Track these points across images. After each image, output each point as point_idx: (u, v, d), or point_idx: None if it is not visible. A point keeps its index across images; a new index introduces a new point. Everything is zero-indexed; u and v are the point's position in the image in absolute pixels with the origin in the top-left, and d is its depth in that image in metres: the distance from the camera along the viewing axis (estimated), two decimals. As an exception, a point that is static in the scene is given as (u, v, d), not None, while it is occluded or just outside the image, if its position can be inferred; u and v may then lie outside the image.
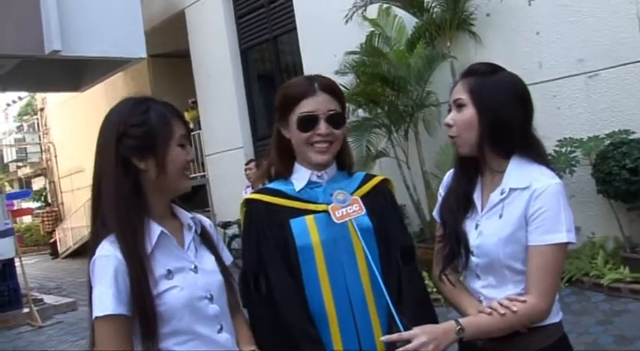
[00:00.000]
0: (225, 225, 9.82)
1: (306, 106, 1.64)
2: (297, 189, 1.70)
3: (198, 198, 10.64)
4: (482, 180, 1.69)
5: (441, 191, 1.81)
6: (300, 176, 1.72)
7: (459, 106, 1.62)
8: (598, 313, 4.79)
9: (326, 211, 1.62)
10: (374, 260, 1.63)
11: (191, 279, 1.53)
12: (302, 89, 1.67)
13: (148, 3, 11.29)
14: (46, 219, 19.34)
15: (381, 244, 1.68)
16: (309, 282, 1.62)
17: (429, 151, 6.69)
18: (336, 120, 1.67)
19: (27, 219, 23.18)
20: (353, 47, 6.84)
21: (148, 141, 1.49)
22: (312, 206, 1.67)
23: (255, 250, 1.66)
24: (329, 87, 1.69)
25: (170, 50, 12.92)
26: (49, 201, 20.52)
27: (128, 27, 9.71)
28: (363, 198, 1.67)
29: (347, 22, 6.83)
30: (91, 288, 1.47)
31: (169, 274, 1.49)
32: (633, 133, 5.42)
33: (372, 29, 7.00)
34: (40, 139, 23.27)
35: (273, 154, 1.76)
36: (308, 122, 1.64)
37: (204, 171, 11.15)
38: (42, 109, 21.43)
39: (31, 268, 14.01)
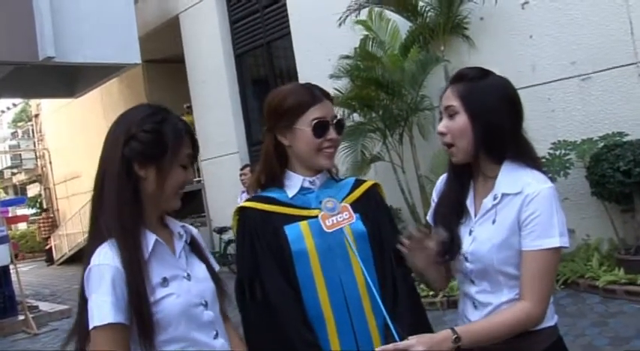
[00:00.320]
0: (221, 230, 9.81)
1: (317, 113, 1.67)
2: (290, 195, 1.71)
3: (193, 203, 10.62)
4: (474, 185, 1.69)
5: (434, 197, 1.81)
6: (293, 183, 1.73)
7: (451, 114, 1.61)
8: (593, 314, 4.80)
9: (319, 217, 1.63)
10: (369, 264, 1.65)
11: (185, 286, 1.53)
12: (308, 97, 1.68)
13: (142, 9, 11.29)
14: (42, 225, 19.26)
15: (375, 248, 1.70)
16: (305, 286, 1.63)
17: (424, 155, 6.70)
18: (341, 125, 1.72)
19: (22, 226, 23.08)
20: (347, 52, 6.85)
21: (155, 150, 1.49)
22: (305, 212, 1.68)
23: (249, 257, 1.66)
24: (327, 94, 1.74)
25: (165, 56, 12.90)
26: (45, 207, 20.42)
27: (122, 33, 9.69)
28: (355, 204, 1.69)
29: (340, 25, 6.83)
30: (82, 296, 1.46)
31: (165, 281, 1.49)
32: (627, 135, 5.44)
33: (366, 33, 7.01)
34: (34, 146, 23.19)
35: (265, 162, 1.76)
36: (322, 128, 1.66)
37: (199, 176, 11.14)
38: (36, 116, 21.35)
39: (26, 275, 13.95)
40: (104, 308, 1.38)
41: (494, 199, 1.60)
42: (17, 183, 31.43)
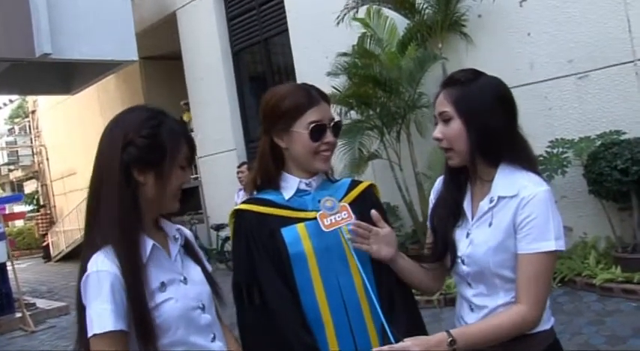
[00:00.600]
0: (219, 227, 9.83)
1: (314, 115, 1.65)
2: (287, 197, 1.70)
3: (191, 201, 10.62)
4: (471, 188, 1.69)
5: (432, 197, 1.81)
6: (289, 185, 1.71)
7: (445, 119, 1.61)
8: (590, 313, 4.81)
9: (316, 219, 1.62)
10: (366, 265, 1.65)
11: (182, 290, 1.53)
12: (306, 99, 1.67)
13: (138, 5, 11.25)
14: (40, 221, 19.24)
15: None
16: (303, 289, 1.62)
17: (421, 153, 6.70)
18: (338, 128, 1.71)
19: (19, 223, 23.04)
20: (344, 49, 6.84)
21: (153, 155, 1.48)
22: (302, 214, 1.67)
23: (246, 260, 1.65)
24: (325, 96, 1.72)
25: (162, 52, 12.88)
26: (42, 203, 20.39)
27: (119, 29, 9.66)
28: (352, 204, 1.68)
29: (338, 23, 6.83)
30: (80, 304, 1.45)
31: (163, 286, 1.49)
32: (624, 133, 5.44)
33: (364, 31, 7.00)
34: (31, 142, 23.16)
35: (261, 164, 1.75)
36: (319, 131, 1.65)
37: (196, 173, 11.13)
38: (33, 112, 21.30)
39: (23, 272, 13.96)
40: (104, 315, 1.37)
41: (491, 201, 1.59)
42: (14, 180, 31.40)
